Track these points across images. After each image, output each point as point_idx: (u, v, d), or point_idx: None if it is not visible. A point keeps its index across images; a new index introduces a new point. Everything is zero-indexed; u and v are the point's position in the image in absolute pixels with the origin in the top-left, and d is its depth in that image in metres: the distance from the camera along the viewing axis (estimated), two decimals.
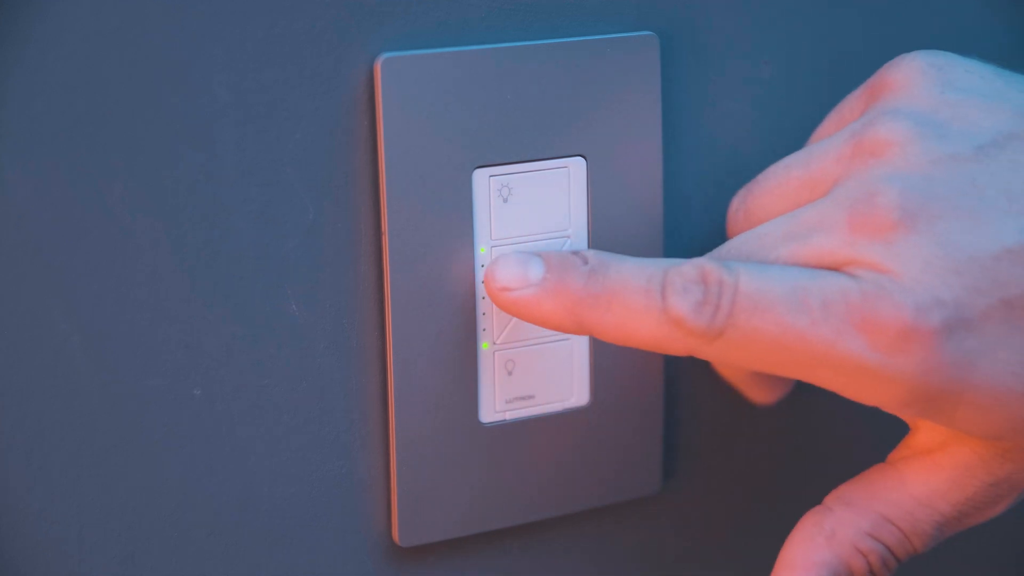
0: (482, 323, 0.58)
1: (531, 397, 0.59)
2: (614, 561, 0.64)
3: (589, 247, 0.59)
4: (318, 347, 0.57)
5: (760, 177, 0.57)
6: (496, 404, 0.59)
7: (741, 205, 0.58)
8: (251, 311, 0.55)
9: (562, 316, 0.52)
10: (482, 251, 0.58)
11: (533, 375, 0.59)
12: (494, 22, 0.57)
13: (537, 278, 0.53)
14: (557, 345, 0.60)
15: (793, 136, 0.63)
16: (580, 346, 0.60)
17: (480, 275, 0.58)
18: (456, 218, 0.57)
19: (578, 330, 0.53)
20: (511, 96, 0.57)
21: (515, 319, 0.58)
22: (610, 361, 0.60)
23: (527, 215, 0.58)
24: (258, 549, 0.57)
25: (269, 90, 0.54)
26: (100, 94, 0.52)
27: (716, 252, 0.54)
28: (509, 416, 0.59)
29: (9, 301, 0.52)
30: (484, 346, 0.58)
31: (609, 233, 0.59)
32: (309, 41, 0.54)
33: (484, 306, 0.58)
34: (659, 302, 0.50)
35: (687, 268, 0.51)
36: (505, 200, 0.58)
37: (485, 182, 0.57)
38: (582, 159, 0.58)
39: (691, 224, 0.62)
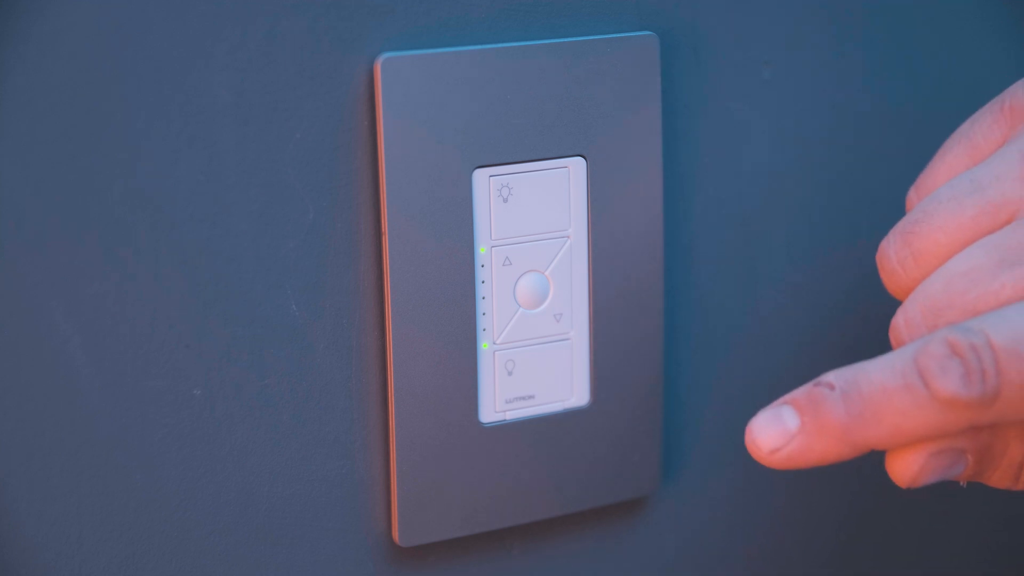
0: (482, 323, 0.58)
1: (531, 397, 0.59)
2: (613, 561, 0.64)
3: (589, 247, 0.59)
4: (318, 347, 0.57)
5: (918, 218, 0.53)
6: (496, 404, 0.59)
7: (904, 250, 0.53)
8: (251, 311, 0.55)
9: (838, 449, 0.50)
10: (482, 251, 0.57)
11: (533, 375, 0.59)
12: (494, 22, 0.57)
13: (796, 426, 0.51)
14: (557, 345, 0.60)
15: (793, 136, 0.63)
16: (580, 346, 0.60)
17: (480, 274, 0.58)
18: (456, 218, 0.57)
19: (856, 453, 0.50)
20: (511, 96, 0.57)
21: (515, 318, 0.58)
22: (610, 361, 0.60)
23: (527, 215, 0.58)
24: (258, 549, 0.57)
25: (269, 90, 0.54)
26: (100, 94, 0.52)
27: (925, 309, 0.51)
28: (509, 416, 0.59)
29: (9, 301, 0.52)
30: (484, 346, 0.58)
31: (609, 233, 0.59)
32: (309, 41, 0.54)
33: (484, 306, 0.58)
34: (924, 392, 0.48)
35: (933, 347, 0.48)
36: (505, 200, 0.58)
37: (485, 182, 0.57)
38: (582, 159, 0.58)
39: (691, 224, 0.62)
